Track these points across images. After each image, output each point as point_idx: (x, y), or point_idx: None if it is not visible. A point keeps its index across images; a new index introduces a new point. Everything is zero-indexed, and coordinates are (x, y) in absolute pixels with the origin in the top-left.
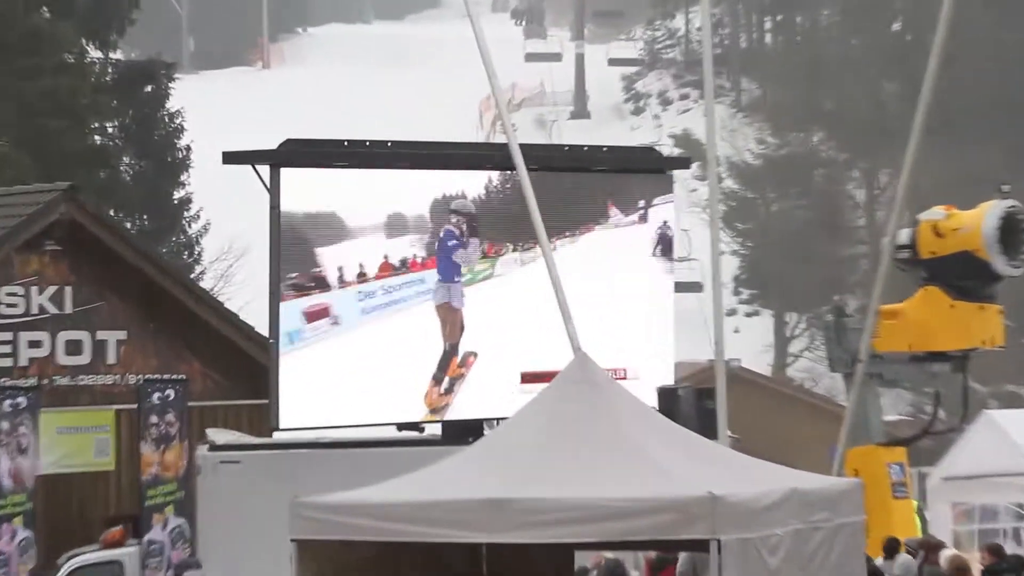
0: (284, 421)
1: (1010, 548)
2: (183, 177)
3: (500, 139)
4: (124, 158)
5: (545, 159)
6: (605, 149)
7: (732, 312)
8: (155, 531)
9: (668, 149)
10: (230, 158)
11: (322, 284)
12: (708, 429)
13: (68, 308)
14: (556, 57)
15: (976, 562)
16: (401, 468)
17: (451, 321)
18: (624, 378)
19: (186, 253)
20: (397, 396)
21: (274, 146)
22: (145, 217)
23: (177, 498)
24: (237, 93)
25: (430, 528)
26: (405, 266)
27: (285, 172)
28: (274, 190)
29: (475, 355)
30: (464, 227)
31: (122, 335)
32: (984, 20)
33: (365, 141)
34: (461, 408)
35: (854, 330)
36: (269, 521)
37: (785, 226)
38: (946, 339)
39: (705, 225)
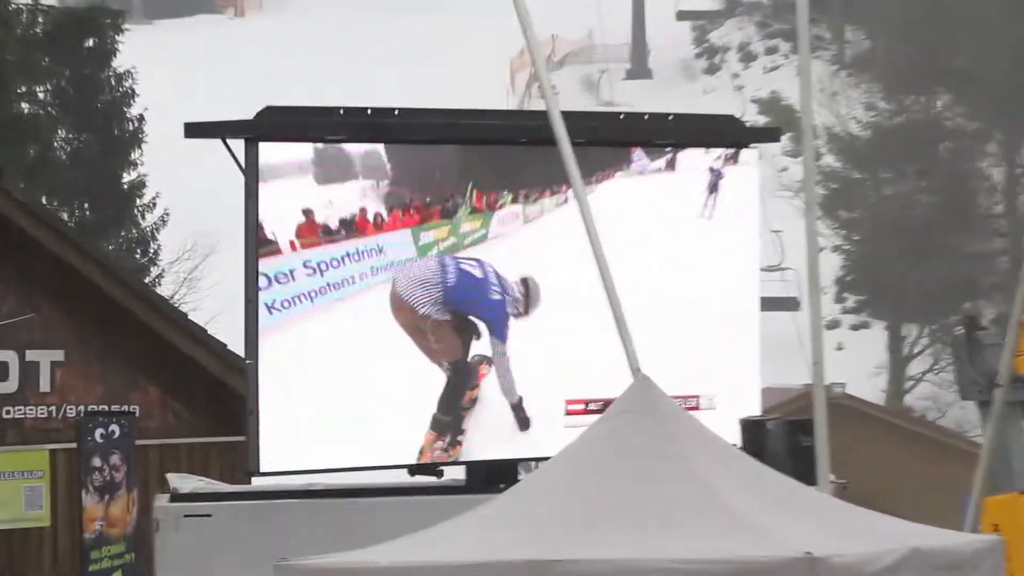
0: (265, 463)
1: None
2: (134, 155)
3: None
4: (60, 131)
5: (594, 131)
6: (671, 118)
7: (834, 324)
8: None
9: (751, 117)
10: (194, 130)
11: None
12: (805, 472)
13: None
14: None
15: None
16: (415, 522)
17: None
18: (697, 408)
19: (139, 251)
20: (408, 431)
21: (250, 115)
22: (87, 206)
23: (126, 562)
24: (202, 48)
25: None
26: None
27: (265, 148)
28: (251, 171)
29: (488, 361)
30: None
31: (58, 356)
32: None
33: (365, 109)
34: (487, 445)
35: (991, 346)
36: None
37: (901, 214)
38: None
39: (799, 215)
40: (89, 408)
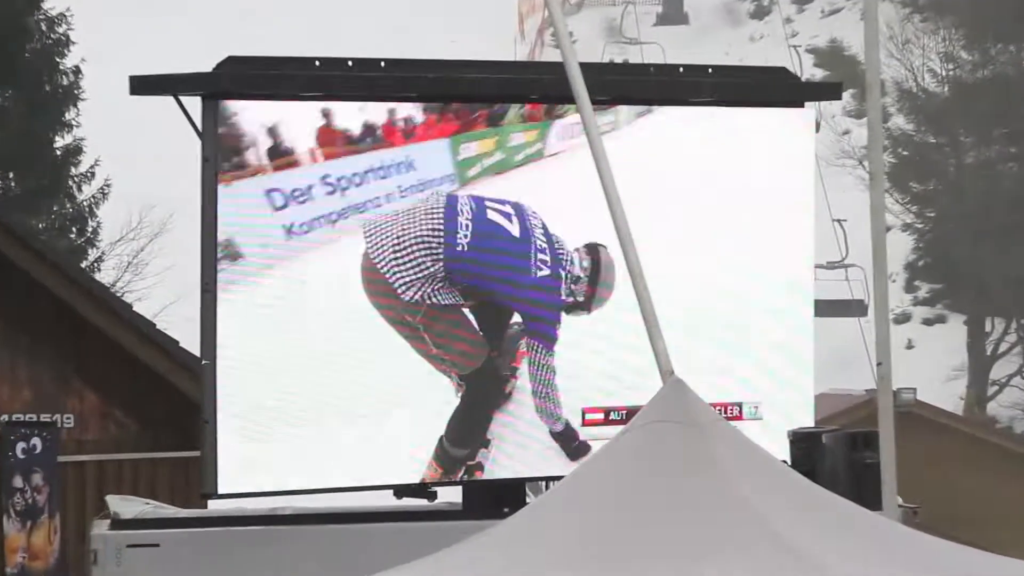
0: (224, 484)
1: None
2: (70, 115)
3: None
4: None
5: (620, 87)
6: (711, 71)
7: (904, 318)
8: None
9: (807, 71)
10: (141, 85)
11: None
12: (867, 494)
13: None
14: None
15: None
16: (402, 553)
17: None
18: (739, 417)
19: (75, 230)
20: (396, 444)
21: (208, 67)
22: (11, 175)
23: None
24: None
25: None
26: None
27: (226, 107)
28: (208, 134)
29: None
30: None
31: None
32: None
33: (346, 60)
34: (490, 464)
35: None
36: None
37: (986, 188)
38: None
39: (862, 187)
40: (14, 418)
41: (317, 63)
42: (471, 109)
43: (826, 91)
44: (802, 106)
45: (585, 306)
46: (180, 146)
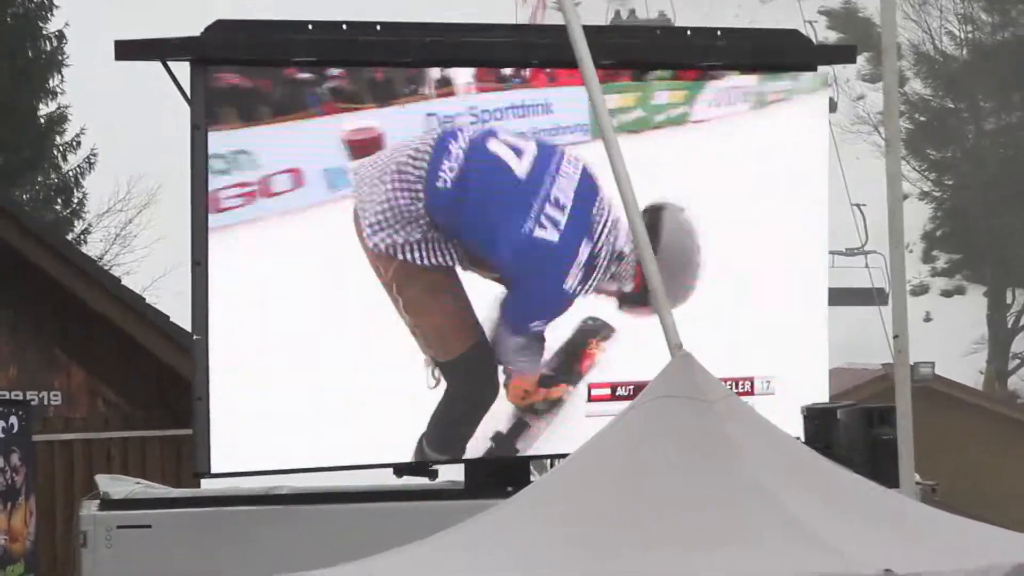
0: (218, 463)
1: None
2: (54, 82)
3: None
4: None
5: (625, 51)
6: (720, 34)
7: (921, 289)
8: None
9: (820, 33)
10: (127, 50)
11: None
12: (884, 471)
13: None
14: None
15: None
16: (402, 533)
17: None
18: (751, 392)
19: (60, 201)
20: (395, 422)
21: (197, 31)
22: None
23: None
24: None
25: None
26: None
27: (215, 73)
28: (198, 100)
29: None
30: None
31: None
32: None
33: (340, 23)
34: (490, 439)
35: None
36: None
37: (1006, 154)
38: None
39: (878, 154)
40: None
41: (310, 27)
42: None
43: (840, 54)
44: (815, 70)
45: (637, 296)
46: (168, 113)
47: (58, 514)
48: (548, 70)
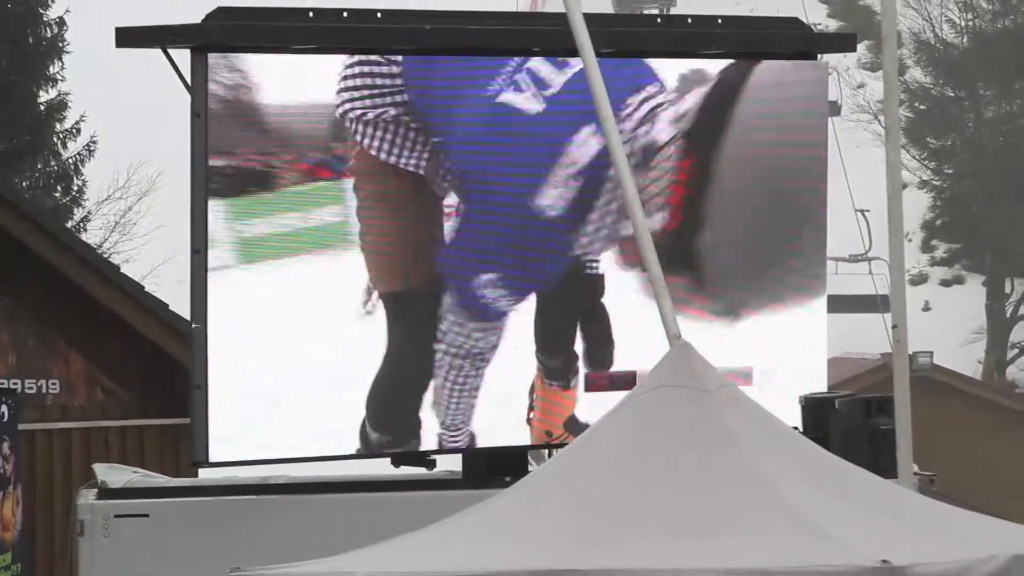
0: (215, 452)
1: None
2: (54, 69)
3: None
4: None
5: (625, 38)
6: (720, 22)
7: (920, 278)
8: None
9: (820, 20)
10: (128, 37)
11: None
12: (882, 462)
13: None
14: None
15: None
16: (400, 523)
17: None
18: (748, 383)
19: (60, 188)
20: (395, 408)
21: (197, 18)
22: None
23: (13, 574)
24: None
25: None
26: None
27: (215, 60)
28: (198, 88)
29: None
30: None
31: None
32: None
33: (341, 10)
34: (489, 430)
35: None
36: None
37: (1006, 143)
38: None
39: (878, 142)
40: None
41: (310, 14)
42: None
43: (840, 42)
44: (815, 58)
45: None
46: (168, 100)
47: (56, 503)
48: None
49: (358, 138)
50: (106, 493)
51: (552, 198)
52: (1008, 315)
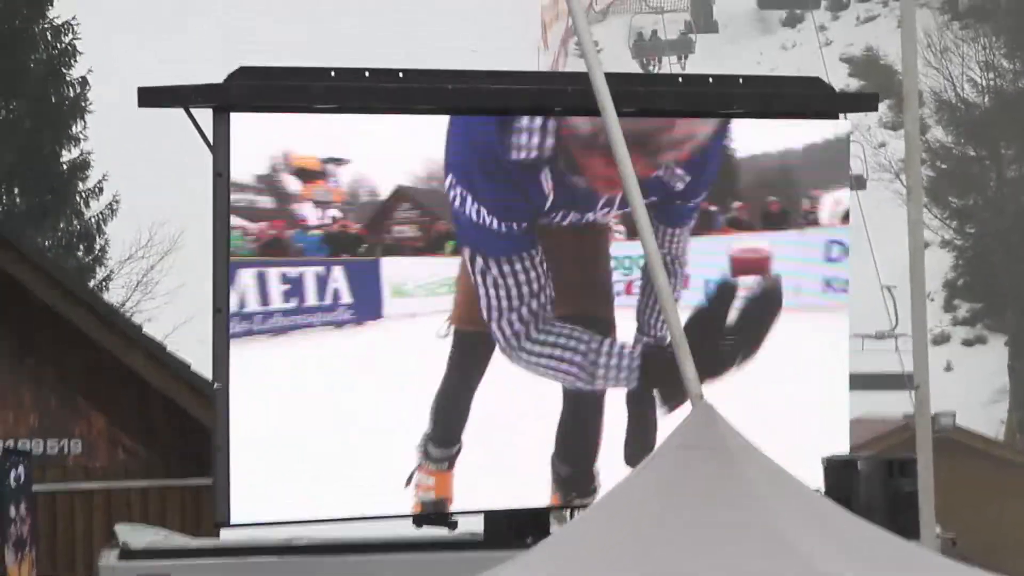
0: (237, 513)
1: None
2: (76, 128)
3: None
4: None
5: (647, 98)
6: (742, 81)
7: (943, 339)
8: None
9: (841, 79)
10: (150, 97)
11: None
12: (904, 523)
13: None
14: None
15: None
16: None
17: None
18: (771, 443)
19: (82, 247)
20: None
21: (220, 78)
22: (16, 190)
23: None
24: None
25: None
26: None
27: (237, 119)
28: (221, 147)
29: None
30: None
31: None
32: None
33: (363, 70)
34: (509, 491)
35: None
36: None
37: None
38: None
39: (899, 202)
40: (20, 443)
41: (332, 73)
42: None
43: (862, 102)
44: (837, 117)
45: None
46: (191, 160)
47: (78, 563)
48: None
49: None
50: (128, 554)
51: None
52: None
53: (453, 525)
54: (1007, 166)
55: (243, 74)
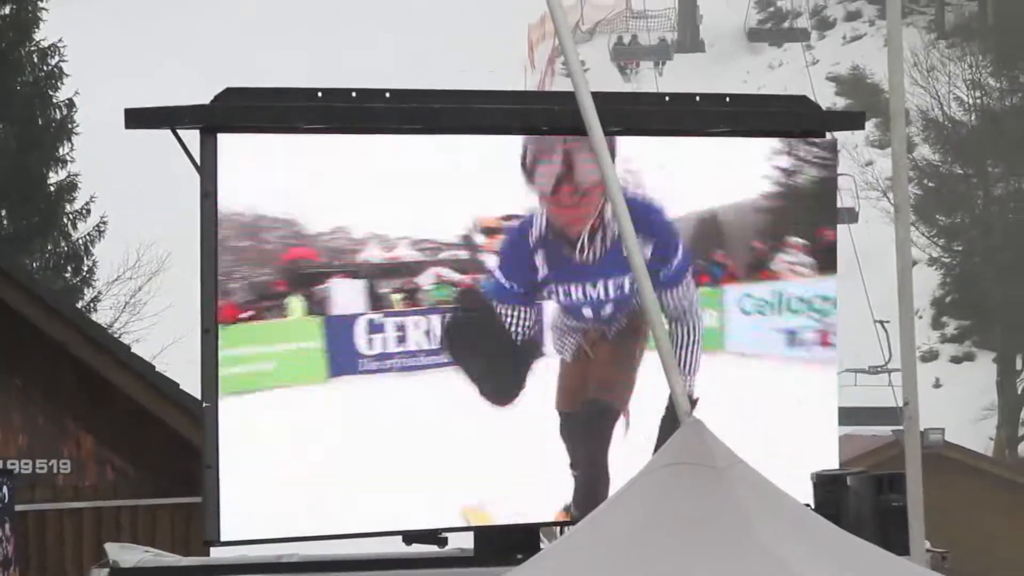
0: (227, 531)
1: None
2: (64, 150)
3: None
4: None
5: (634, 117)
6: (728, 100)
7: (931, 355)
8: None
9: (828, 98)
10: (137, 119)
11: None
12: (894, 538)
13: None
14: None
15: None
16: None
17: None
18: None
19: (70, 269)
20: (406, 490)
21: (206, 99)
22: (3, 212)
23: None
24: (146, 17)
25: None
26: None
27: (224, 140)
28: (207, 168)
29: None
30: None
31: None
32: None
33: (350, 90)
34: (501, 508)
35: None
36: None
37: (1015, 220)
38: None
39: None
40: (7, 463)
41: (319, 94)
42: None
43: (849, 120)
44: (823, 136)
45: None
46: (178, 181)
47: None
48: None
49: None
50: (118, 573)
51: None
52: (1019, 392)
53: (443, 542)
54: (994, 184)
55: (230, 94)
